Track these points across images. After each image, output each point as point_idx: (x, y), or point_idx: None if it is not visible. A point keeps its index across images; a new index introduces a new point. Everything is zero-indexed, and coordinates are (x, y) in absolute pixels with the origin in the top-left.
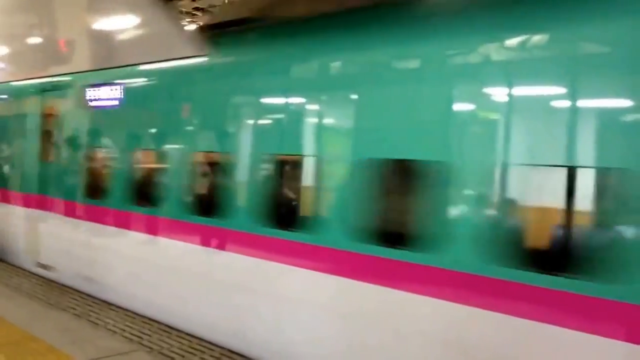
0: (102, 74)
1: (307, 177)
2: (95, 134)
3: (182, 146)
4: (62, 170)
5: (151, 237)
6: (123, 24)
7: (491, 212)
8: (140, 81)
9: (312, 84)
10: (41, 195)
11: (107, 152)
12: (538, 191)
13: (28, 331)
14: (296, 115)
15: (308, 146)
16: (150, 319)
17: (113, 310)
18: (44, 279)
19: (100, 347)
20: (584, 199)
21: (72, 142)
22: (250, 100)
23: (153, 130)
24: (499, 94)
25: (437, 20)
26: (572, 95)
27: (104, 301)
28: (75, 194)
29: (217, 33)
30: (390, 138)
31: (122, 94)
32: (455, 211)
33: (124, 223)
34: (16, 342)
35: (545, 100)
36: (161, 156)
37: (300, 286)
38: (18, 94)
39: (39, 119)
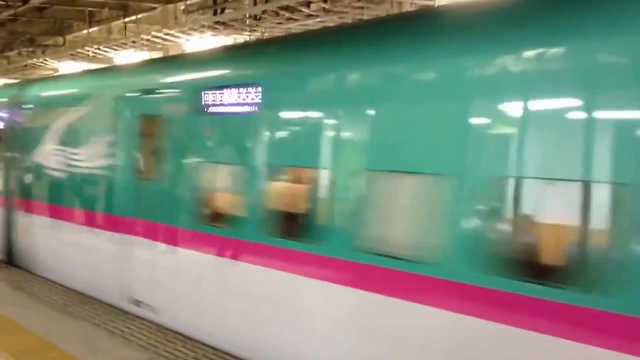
0: None
1: None
2: None
3: None
4: None
5: None
6: None
7: None
8: None
9: None
10: None
11: None
12: None
13: (46, 339)
14: None
15: None
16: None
17: (130, 319)
18: (62, 286)
19: (117, 356)
20: None
21: None
22: None
23: None
24: None
25: None
26: None
27: None
28: None
29: None
30: None
31: None
32: None
33: None
34: (34, 349)
35: None
36: None
37: None
38: None
39: None
